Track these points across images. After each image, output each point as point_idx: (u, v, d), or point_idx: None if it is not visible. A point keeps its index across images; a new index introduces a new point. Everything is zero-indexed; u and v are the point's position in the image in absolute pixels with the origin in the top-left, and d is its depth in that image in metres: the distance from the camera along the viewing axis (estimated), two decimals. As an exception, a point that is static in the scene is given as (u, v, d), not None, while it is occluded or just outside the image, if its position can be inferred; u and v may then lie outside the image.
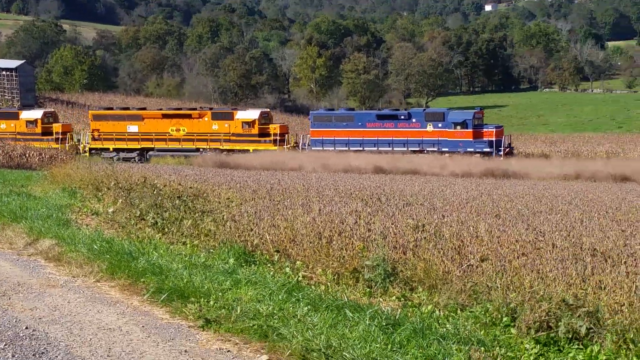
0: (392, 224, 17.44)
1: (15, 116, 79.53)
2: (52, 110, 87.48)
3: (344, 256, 15.44)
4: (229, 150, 70.92)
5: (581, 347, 10.69)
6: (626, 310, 10.96)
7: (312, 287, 14.40)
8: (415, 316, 12.11)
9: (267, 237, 17.60)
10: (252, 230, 18.33)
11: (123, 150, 74.28)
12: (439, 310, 12.56)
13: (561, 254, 14.02)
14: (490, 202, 25.74)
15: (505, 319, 11.76)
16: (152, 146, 74.05)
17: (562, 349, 10.70)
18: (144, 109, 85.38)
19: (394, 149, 68.39)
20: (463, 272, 13.56)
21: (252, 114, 75.00)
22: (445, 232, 16.37)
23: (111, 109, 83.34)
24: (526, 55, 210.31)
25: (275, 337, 11.27)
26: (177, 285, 14.21)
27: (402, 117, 70.44)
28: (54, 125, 79.48)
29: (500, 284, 12.54)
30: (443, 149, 67.32)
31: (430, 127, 68.11)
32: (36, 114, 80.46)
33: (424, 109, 75.07)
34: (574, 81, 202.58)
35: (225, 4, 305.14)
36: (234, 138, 72.34)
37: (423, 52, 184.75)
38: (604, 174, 55.17)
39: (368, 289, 14.12)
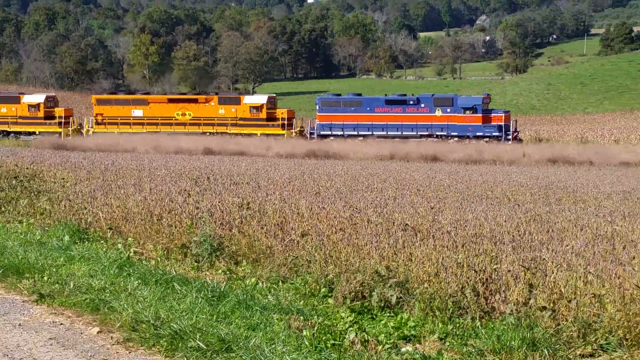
0: (219, 202, 17.43)
1: (16, 100, 74.36)
2: (54, 94, 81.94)
3: (173, 233, 15.37)
4: (235, 134, 67.52)
5: (392, 314, 10.86)
6: (433, 280, 11.17)
7: (143, 262, 14.26)
8: (239, 288, 12.10)
9: (101, 215, 17.39)
10: (86, 208, 18.11)
11: (127, 133, 69.63)
12: (262, 282, 12.58)
13: (375, 228, 14.21)
14: (311, 181, 25.95)
15: (323, 290, 11.87)
16: (158, 130, 70.09)
17: (375, 316, 10.84)
18: (149, 93, 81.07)
19: (403, 133, 66.02)
20: (285, 247, 13.62)
21: (260, 98, 71.88)
22: (268, 209, 16.44)
23: (115, 93, 79.46)
24: (345, 44, 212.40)
25: (106, 310, 11.12)
26: (12, 262, 13.89)
27: (411, 102, 67.81)
28: (56, 109, 74.96)
29: (319, 258, 12.65)
30: (452, 134, 65.45)
31: (439, 112, 65.83)
32: (38, 98, 75.10)
33: (433, 95, 71.20)
34: (389, 69, 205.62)
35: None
36: (241, 122, 69.11)
37: (250, 40, 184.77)
38: (416, 155, 56.12)
39: (196, 264, 14.06)
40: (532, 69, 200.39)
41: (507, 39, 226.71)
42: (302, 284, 12.17)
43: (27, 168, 27.24)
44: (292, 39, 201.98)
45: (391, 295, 11.12)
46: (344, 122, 67.50)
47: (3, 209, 20.22)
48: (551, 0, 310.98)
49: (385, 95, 74.55)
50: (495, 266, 11.45)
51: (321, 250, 12.92)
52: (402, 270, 11.61)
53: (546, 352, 9.29)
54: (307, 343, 9.43)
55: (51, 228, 17.21)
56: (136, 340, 10.16)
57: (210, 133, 68.40)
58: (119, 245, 15.44)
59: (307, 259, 12.82)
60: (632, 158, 54.97)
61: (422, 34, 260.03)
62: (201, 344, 9.43)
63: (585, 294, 10.15)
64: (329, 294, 11.69)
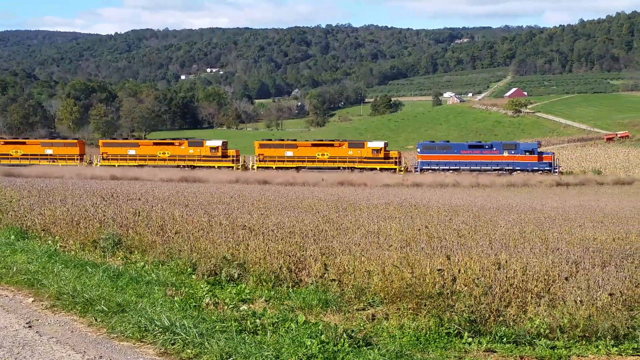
0: (120, 211, 17.01)
1: (200, 144, 69.83)
2: (226, 140, 77.31)
3: (87, 232, 14.86)
4: (361, 169, 64.77)
5: (235, 285, 10.78)
6: (262, 262, 11.15)
7: (66, 253, 13.76)
8: (132, 269, 11.82)
9: (37, 221, 16.68)
10: (26, 217, 17.33)
11: (282, 168, 66.26)
12: (148, 265, 12.31)
13: (224, 228, 14.12)
14: (183, 197, 25.56)
15: (189, 269, 11.70)
16: (303, 166, 66.66)
17: (223, 286, 10.75)
18: (295, 140, 76.08)
19: (482, 169, 63.62)
20: (164, 241, 13.36)
21: (379, 144, 68.25)
22: (153, 216, 16.14)
23: (270, 140, 75.01)
24: (206, 106, 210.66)
25: (39, 285, 10.70)
26: (-28, 254, 13.22)
27: (486, 146, 65.78)
28: (229, 150, 71.21)
29: (186, 248, 12.46)
30: (516, 168, 63.25)
31: (506, 154, 63.78)
32: (217, 142, 70.52)
33: (502, 142, 68.96)
34: (235, 123, 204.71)
35: (11, 70, 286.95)
36: (365, 160, 65.88)
37: (142, 103, 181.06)
38: (253, 179, 55.94)
39: (103, 253, 13.63)
40: (328, 124, 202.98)
41: (312, 104, 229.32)
42: (175, 265, 11.97)
43: (-16, 189, 25.98)
44: (170, 102, 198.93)
45: (234, 272, 11.07)
46: (439, 161, 65.25)
47: (-34, 217, 19.19)
48: (340, 79, 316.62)
49: (467, 142, 72.65)
50: (302, 252, 11.54)
51: (188, 243, 12.75)
52: (242, 256, 11.57)
53: (334, 308, 9.39)
54: (177, 305, 9.28)
55: (1, 231, 16.44)
56: (59, 306, 9.80)
57: (342, 168, 65.59)
58: (49, 241, 14.84)
59: (178, 249, 12.61)
60: (392, 181, 56.29)
61: (257, 101, 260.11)
62: (104, 308, 9.16)
63: (360, 270, 10.30)
64: (193, 272, 11.54)
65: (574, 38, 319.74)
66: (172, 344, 7.83)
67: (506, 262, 10.14)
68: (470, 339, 8.11)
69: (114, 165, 66.82)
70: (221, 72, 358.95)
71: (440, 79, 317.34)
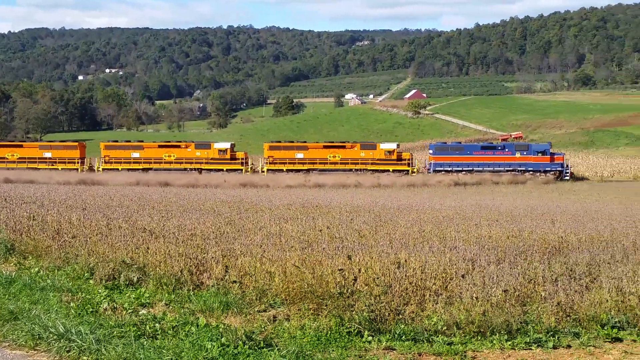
0: (13, 215, 16.45)
1: (208, 146, 67.21)
2: (234, 142, 74.32)
3: (-24, 238, 14.30)
4: (374, 171, 64.01)
5: (134, 289, 10.59)
6: (162, 265, 10.99)
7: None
8: (26, 275, 11.44)
9: None
10: None
11: (292, 170, 64.64)
12: (43, 270, 11.93)
13: (124, 232, 13.86)
14: (81, 201, 24.93)
15: (86, 274, 11.43)
16: (315, 168, 64.97)
17: (122, 291, 10.54)
18: (306, 142, 73.50)
19: (494, 169, 63.48)
20: (60, 246, 13.01)
21: (391, 145, 67.89)
22: (49, 220, 15.70)
23: (280, 142, 72.07)
24: (105, 107, 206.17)
25: None
26: None
27: (499, 147, 66.14)
28: (238, 152, 68.67)
29: (83, 252, 12.16)
30: (528, 169, 63.51)
31: (518, 154, 63.82)
32: (225, 145, 68.07)
33: (514, 143, 69.29)
34: (135, 124, 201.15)
35: None
36: (377, 162, 64.93)
37: (38, 104, 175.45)
38: (154, 182, 54.93)
39: (-6, 260, 13.15)
40: (230, 125, 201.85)
41: (214, 105, 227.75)
42: (72, 270, 11.66)
43: None
44: (68, 103, 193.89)
45: (133, 276, 10.88)
46: (451, 162, 64.90)
47: None
48: (242, 81, 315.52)
49: (480, 143, 73.82)
50: (203, 255, 11.44)
51: (85, 247, 12.44)
52: (142, 259, 11.38)
53: (235, 310, 9.34)
54: (73, 311, 9.04)
55: None
56: (-53, 315, 9.36)
57: (355, 170, 64.53)
58: None
59: (75, 254, 12.29)
60: (294, 183, 56.47)
61: (158, 102, 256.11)
62: (-5, 316, 8.83)
63: (262, 271, 10.29)
64: (91, 277, 11.27)
65: (470, 42, 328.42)
66: (68, 352, 7.61)
67: (406, 261, 10.32)
68: (370, 338, 8.20)
69: (118, 169, 65.20)
70: (121, 73, 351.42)
71: (341, 81, 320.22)
